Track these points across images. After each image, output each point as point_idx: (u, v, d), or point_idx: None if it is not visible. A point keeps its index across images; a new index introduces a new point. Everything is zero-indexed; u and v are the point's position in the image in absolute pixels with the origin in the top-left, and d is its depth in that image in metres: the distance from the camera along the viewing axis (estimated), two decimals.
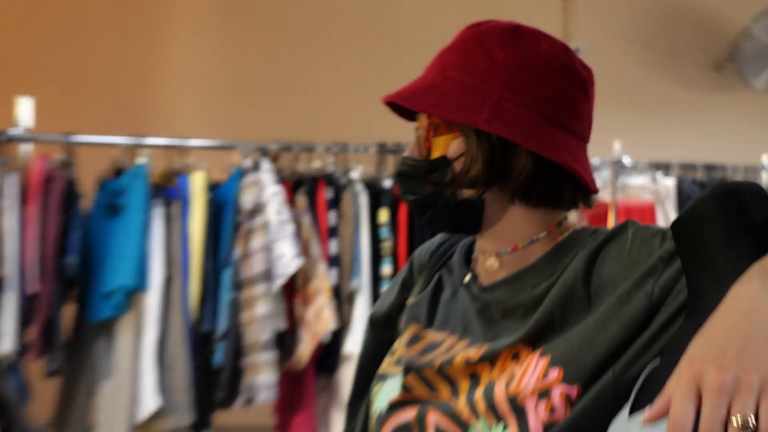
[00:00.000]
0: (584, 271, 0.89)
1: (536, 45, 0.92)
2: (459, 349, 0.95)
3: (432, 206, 0.94)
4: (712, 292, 0.70)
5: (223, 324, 2.73)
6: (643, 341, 0.82)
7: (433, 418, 0.91)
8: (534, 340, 0.89)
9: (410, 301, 1.06)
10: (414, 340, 1.00)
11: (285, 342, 2.85)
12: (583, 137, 0.95)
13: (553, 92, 0.91)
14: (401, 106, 0.96)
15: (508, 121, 0.89)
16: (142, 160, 2.84)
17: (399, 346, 1.02)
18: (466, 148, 0.92)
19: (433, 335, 1.00)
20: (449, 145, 0.93)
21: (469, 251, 1.05)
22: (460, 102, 0.89)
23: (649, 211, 3.13)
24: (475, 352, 0.93)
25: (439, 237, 1.11)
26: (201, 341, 2.76)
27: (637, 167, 3.33)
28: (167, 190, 2.77)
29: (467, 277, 1.01)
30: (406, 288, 1.09)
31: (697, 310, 0.72)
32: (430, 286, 1.04)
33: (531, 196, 0.94)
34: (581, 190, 0.95)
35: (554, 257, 0.94)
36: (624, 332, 0.83)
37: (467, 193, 0.93)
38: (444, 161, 0.92)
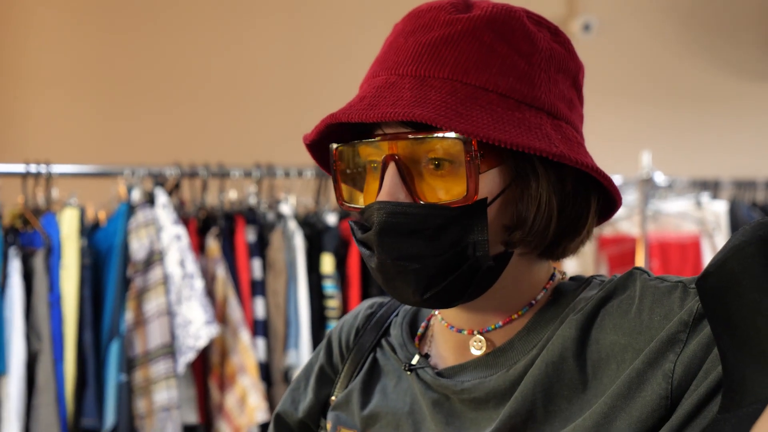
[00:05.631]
0: (576, 342, 0.84)
1: (536, 36, 0.89)
2: None
3: (448, 274, 0.85)
4: (757, 375, 0.68)
5: (110, 418, 2.71)
6: None
7: None
8: None
9: (334, 399, 1.02)
10: None
11: None
12: None
13: (576, 99, 0.91)
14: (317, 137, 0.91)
15: (574, 146, 0.86)
16: None
17: None
18: (530, 186, 0.86)
19: None
20: (484, 183, 0.85)
21: (413, 323, 1.01)
22: (517, 119, 0.84)
23: (692, 246, 3.08)
24: None
25: (365, 306, 1.08)
26: None
27: (674, 187, 3.30)
28: (26, 235, 2.79)
29: (415, 359, 0.96)
30: (325, 381, 1.05)
31: (736, 400, 0.70)
32: (361, 374, 1.00)
33: (560, 243, 0.90)
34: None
35: (539, 324, 0.89)
36: (637, 428, 0.78)
37: (498, 248, 0.87)
38: (482, 207, 0.84)
